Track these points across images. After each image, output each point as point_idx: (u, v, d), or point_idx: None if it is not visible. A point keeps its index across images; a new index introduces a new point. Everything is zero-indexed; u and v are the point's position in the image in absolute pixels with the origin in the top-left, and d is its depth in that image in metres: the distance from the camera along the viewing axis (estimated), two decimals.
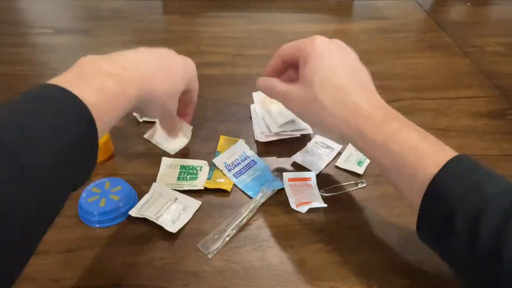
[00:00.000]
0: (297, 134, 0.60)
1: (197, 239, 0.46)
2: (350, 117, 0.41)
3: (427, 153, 0.38)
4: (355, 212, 0.50)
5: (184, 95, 0.52)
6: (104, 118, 0.36)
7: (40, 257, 0.44)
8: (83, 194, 0.49)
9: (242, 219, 0.48)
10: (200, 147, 0.59)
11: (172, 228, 0.46)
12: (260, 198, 0.50)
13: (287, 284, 0.43)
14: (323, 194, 0.52)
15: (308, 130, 0.61)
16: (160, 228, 0.46)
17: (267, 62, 0.49)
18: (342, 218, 0.50)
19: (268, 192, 0.51)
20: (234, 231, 0.47)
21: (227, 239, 0.46)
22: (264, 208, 0.51)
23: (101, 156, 0.55)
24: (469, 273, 0.35)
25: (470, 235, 0.33)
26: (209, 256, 0.45)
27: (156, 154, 0.57)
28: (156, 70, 0.45)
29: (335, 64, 0.42)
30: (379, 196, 0.52)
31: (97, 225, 0.47)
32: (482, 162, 0.58)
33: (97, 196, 0.49)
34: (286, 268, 0.44)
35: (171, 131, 0.54)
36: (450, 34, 0.93)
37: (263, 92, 0.50)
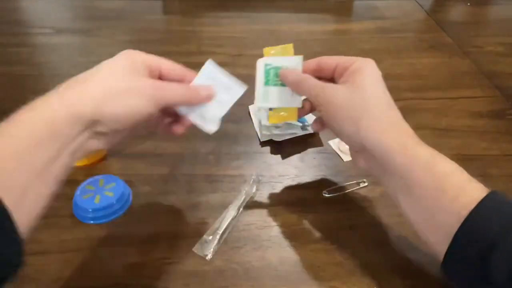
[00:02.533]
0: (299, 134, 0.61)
1: (197, 239, 0.46)
2: (394, 127, 0.39)
3: (471, 180, 0.36)
4: (355, 212, 0.50)
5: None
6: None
7: (40, 257, 0.44)
8: (77, 192, 0.49)
9: (233, 218, 0.48)
10: (200, 147, 0.59)
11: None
12: (245, 195, 0.51)
13: (287, 284, 0.43)
14: (325, 195, 0.52)
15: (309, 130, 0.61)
16: (160, 228, 0.47)
17: None
18: (342, 218, 0.50)
19: (252, 191, 0.52)
20: (228, 230, 0.47)
21: (222, 239, 0.46)
22: (264, 208, 0.51)
23: (92, 158, 0.55)
24: None
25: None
26: (208, 258, 0.44)
27: (153, 154, 0.57)
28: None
29: (383, 85, 0.42)
30: (379, 196, 0.52)
31: (91, 222, 0.48)
32: (482, 162, 0.59)
33: (92, 193, 0.49)
34: (286, 268, 0.44)
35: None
36: (450, 34, 0.93)
37: (290, 81, 0.45)
